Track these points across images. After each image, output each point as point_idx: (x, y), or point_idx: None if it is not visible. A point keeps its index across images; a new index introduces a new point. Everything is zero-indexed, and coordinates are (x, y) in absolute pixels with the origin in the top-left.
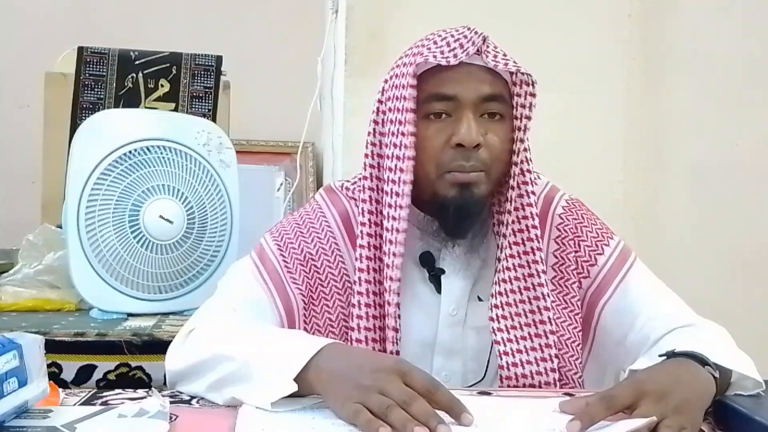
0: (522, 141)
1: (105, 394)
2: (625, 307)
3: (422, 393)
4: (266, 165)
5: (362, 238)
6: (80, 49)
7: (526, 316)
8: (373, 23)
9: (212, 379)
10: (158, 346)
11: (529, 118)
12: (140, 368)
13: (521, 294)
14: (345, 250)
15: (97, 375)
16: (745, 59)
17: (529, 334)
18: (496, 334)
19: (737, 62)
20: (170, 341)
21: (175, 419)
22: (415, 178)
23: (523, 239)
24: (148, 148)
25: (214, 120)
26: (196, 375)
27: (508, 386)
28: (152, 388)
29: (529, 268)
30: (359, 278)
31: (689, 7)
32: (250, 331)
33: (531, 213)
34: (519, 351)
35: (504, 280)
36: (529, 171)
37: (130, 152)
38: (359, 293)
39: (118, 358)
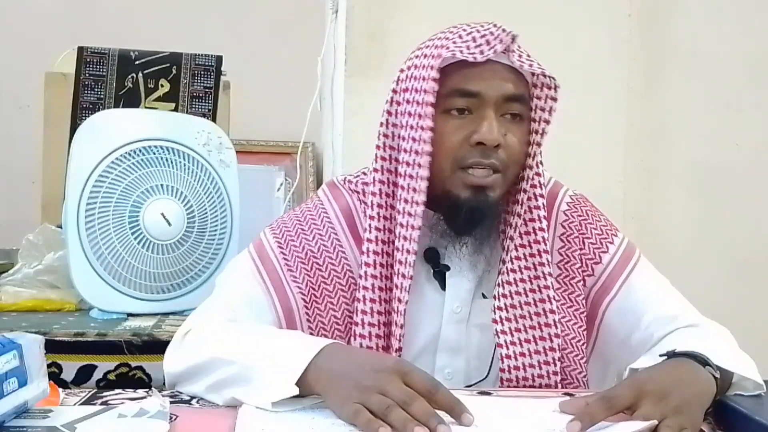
0: (539, 144)
1: (105, 394)
2: (630, 306)
3: (422, 393)
4: (266, 165)
5: (370, 231)
6: (80, 49)
7: (531, 319)
8: (373, 23)
9: (211, 380)
10: (158, 346)
11: (548, 122)
12: (140, 368)
13: (526, 296)
14: (347, 245)
15: (97, 375)
16: (745, 59)
17: (533, 336)
18: (499, 337)
19: (737, 62)
20: (170, 341)
21: (175, 419)
22: None
23: (529, 241)
24: (148, 148)
25: (214, 120)
26: (195, 377)
27: (509, 387)
28: (152, 388)
29: (535, 270)
30: (365, 272)
31: (689, 7)
32: (248, 333)
33: (539, 216)
34: (522, 354)
35: (508, 282)
36: (539, 174)
37: (130, 152)
38: (364, 288)
39: (118, 358)
